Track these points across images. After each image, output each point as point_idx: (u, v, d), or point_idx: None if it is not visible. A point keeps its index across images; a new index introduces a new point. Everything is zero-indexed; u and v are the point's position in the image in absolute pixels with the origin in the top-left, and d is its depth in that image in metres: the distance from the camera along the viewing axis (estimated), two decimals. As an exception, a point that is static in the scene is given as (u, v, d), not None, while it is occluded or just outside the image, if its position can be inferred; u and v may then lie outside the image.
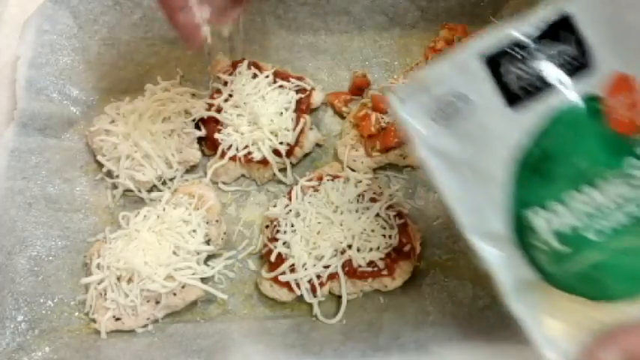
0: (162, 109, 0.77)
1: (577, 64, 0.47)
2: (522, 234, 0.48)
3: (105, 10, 0.83)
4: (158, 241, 0.70)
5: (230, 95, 0.79)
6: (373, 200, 0.72)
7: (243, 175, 0.80)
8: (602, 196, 0.46)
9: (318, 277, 0.69)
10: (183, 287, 0.69)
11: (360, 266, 0.69)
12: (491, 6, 0.85)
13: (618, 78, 0.47)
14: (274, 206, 0.74)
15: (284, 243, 0.70)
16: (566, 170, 0.47)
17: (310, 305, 0.70)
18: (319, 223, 0.70)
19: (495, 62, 0.47)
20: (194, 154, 0.78)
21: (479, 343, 0.64)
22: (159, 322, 0.71)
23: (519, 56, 0.46)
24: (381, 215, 0.71)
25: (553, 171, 0.47)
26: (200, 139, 0.79)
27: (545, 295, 0.49)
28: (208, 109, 0.79)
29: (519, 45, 0.46)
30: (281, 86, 0.79)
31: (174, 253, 0.70)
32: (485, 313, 0.67)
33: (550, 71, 0.46)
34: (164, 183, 0.77)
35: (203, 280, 0.71)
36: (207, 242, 0.72)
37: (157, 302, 0.69)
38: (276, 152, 0.77)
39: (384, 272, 0.69)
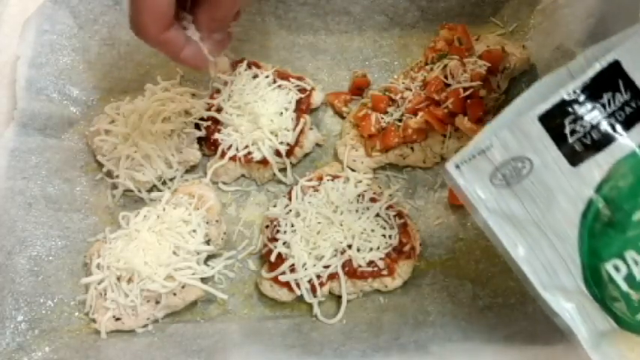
0: (162, 109, 0.77)
1: (630, 109, 0.47)
2: (598, 286, 0.48)
3: (105, 10, 0.83)
4: (158, 241, 0.70)
5: (230, 95, 0.79)
6: (373, 200, 0.72)
7: (243, 175, 0.80)
8: None
9: (318, 277, 0.69)
10: (183, 287, 0.69)
11: (360, 266, 0.69)
12: (491, 6, 0.85)
13: None
14: (274, 206, 0.74)
15: (284, 243, 0.70)
16: (637, 217, 0.46)
17: (310, 305, 0.70)
18: (319, 223, 0.70)
19: (552, 122, 0.47)
20: (194, 154, 0.78)
21: (479, 343, 0.64)
22: (159, 322, 0.71)
23: (574, 112, 0.47)
24: (381, 215, 0.71)
25: (623, 220, 0.47)
26: (200, 139, 0.79)
27: (623, 341, 0.49)
28: (208, 109, 0.79)
29: (572, 101, 0.47)
30: (281, 86, 0.79)
31: (174, 253, 0.70)
32: (485, 313, 0.67)
33: (605, 121, 0.47)
34: (164, 183, 0.78)
35: (203, 280, 0.71)
36: (207, 242, 0.72)
37: (157, 302, 0.69)
38: (276, 152, 0.77)
39: (384, 272, 0.69)
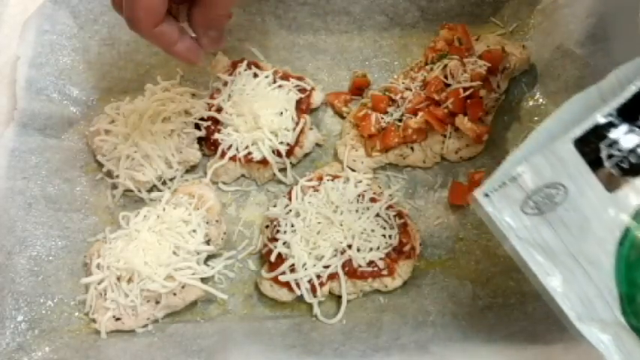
0: (162, 109, 0.77)
1: None
2: (637, 317, 0.46)
3: (105, 10, 0.83)
4: (158, 241, 0.70)
5: (230, 95, 0.79)
6: (373, 200, 0.72)
7: (243, 175, 0.80)
8: None
9: (318, 277, 0.69)
10: (183, 287, 0.69)
11: (360, 266, 0.69)
12: (491, 6, 0.85)
13: None
14: (274, 206, 0.74)
15: (284, 243, 0.70)
16: None
17: (310, 305, 0.70)
18: (319, 223, 0.70)
19: (587, 146, 0.45)
20: (194, 154, 0.78)
21: (479, 343, 0.64)
22: (159, 322, 0.71)
23: (610, 136, 0.45)
24: (381, 215, 0.71)
25: None
26: (200, 139, 0.79)
27: None
28: (208, 109, 0.79)
29: (607, 124, 0.45)
30: (281, 86, 0.79)
31: (174, 253, 0.70)
32: (485, 313, 0.67)
33: None
34: (164, 183, 0.77)
35: (203, 280, 0.71)
36: (207, 242, 0.72)
37: (157, 302, 0.69)
38: (277, 152, 0.77)
39: (384, 272, 0.69)
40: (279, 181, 0.79)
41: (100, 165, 0.78)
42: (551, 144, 0.46)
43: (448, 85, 0.76)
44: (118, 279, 0.69)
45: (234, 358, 0.64)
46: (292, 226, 0.71)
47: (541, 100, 0.79)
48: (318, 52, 0.86)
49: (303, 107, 0.79)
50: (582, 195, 0.46)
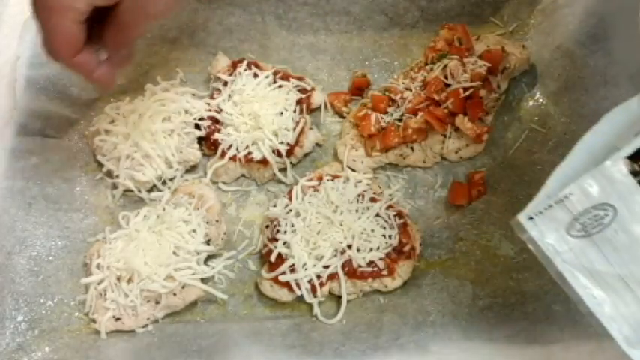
0: (163, 109, 0.77)
1: None
2: None
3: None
4: (158, 241, 0.70)
5: (230, 95, 0.79)
6: (373, 200, 0.72)
7: (243, 175, 0.80)
8: None
9: (318, 277, 0.69)
10: (183, 287, 0.69)
11: (360, 266, 0.69)
12: (491, 6, 0.85)
13: None
14: (274, 206, 0.74)
15: (284, 243, 0.70)
16: None
17: (310, 305, 0.70)
18: (319, 223, 0.70)
19: (637, 165, 0.44)
20: (194, 154, 0.78)
21: (479, 343, 0.64)
22: (159, 322, 0.71)
23: None
24: (381, 215, 0.71)
25: None
26: (200, 139, 0.79)
27: None
28: (208, 109, 0.79)
29: None
30: (281, 86, 0.79)
31: (174, 253, 0.70)
32: (485, 313, 0.67)
33: None
34: (164, 183, 0.77)
35: (203, 280, 0.71)
36: (207, 242, 0.72)
37: (157, 302, 0.69)
38: (277, 152, 0.77)
39: (384, 272, 0.69)
40: (279, 181, 0.79)
41: (100, 165, 0.78)
42: (601, 164, 0.44)
43: (448, 85, 0.76)
44: (118, 279, 0.69)
45: (234, 358, 0.64)
46: (292, 226, 0.71)
47: (541, 100, 0.79)
48: (318, 52, 0.86)
49: (303, 107, 0.79)
50: (632, 216, 0.45)
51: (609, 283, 0.46)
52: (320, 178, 0.75)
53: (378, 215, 0.71)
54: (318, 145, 0.81)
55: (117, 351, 0.67)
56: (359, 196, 0.73)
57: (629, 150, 0.44)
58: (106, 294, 0.69)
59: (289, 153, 0.77)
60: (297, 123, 0.77)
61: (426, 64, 0.80)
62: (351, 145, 0.78)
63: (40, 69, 0.79)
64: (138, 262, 0.68)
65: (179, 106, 0.78)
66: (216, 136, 0.77)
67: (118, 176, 0.76)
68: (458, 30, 0.80)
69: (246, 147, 0.77)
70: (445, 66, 0.77)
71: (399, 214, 0.72)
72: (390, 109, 0.78)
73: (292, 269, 0.69)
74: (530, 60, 0.80)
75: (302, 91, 0.80)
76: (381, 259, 0.69)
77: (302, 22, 0.86)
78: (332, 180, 0.74)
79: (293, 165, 0.79)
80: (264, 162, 0.77)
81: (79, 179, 0.79)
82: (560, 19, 0.78)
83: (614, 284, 0.46)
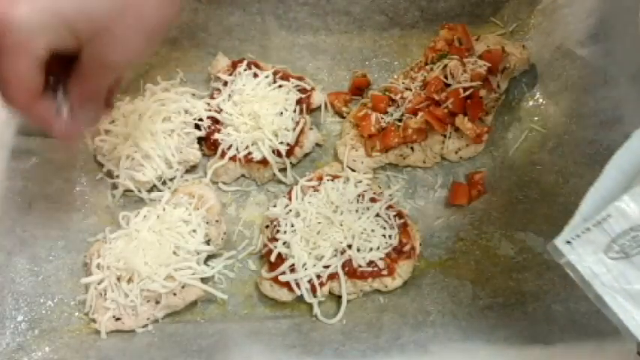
0: (163, 109, 0.77)
1: None
2: None
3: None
4: (158, 241, 0.70)
5: (230, 95, 0.79)
6: (373, 200, 0.72)
7: (243, 175, 0.80)
8: None
9: (318, 277, 0.69)
10: (183, 287, 0.69)
11: (360, 266, 0.69)
12: (491, 6, 0.85)
13: None
14: (274, 206, 0.74)
15: (284, 243, 0.70)
16: None
17: (310, 305, 0.70)
18: (319, 223, 0.70)
19: None
20: (194, 154, 0.78)
21: (479, 343, 0.64)
22: (159, 322, 0.71)
23: None
24: (381, 215, 0.71)
25: None
26: (200, 139, 0.79)
27: None
28: (208, 109, 0.79)
29: None
30: (281, 86, 0.79)
31: (175, 253, 0.70)
32: (485, 313, 0.67)
33: None
34: (164, 183, 0.77)
35: (203, 280, 0.71)
36: (207, 242, 0.72)
37: (157, 302, 0.69)
38: (277, 152, 0.77)
39: (384, 272, 0.69)
40: (279, 181, 0.79)
41: (100, 165, 0.78)
42: (638, 185, 0.44)
43: (448, 85, 0.76)
44: (118, 279, 0.69)
45: (234, 358, 0.64)
46: (292, 226, 0.71)
47: (541, 100, 0.79)
48: (318, 52, 0.86)
49: (303, 107, 0.79)
50: None
51: None
52: (320, 178, 0.75)
53: (378, 215, 0.71)
54: (318, 145, 0.81)
55: (117, 351, 0.67)
56: (359, 196, 0.73)
57: None
58: (106, 294, 0.69)
59: (289, 153, 0.77)
60: (297, 123, 0.78)
61: (426, 64, 0.80)
62: (351, 145, 0.78)
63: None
64: (138, 262, 0.68)
65: (179, 106, 0.78)
66: (216, 136, 0.77)
67: (118, 176, 0.76)
68: (458, 30, 0.80)
69: (246, 147, 0.77)
70: (445, 66, 0.77)
71: (399, 214, 0.72)
72: (390, 109, 0.78)
73: (292, 269, 0.69)
74: (530, 60, 0.80)
75: (302, 91, 0.80)
76: (381, 259, 0.69)
77: (302, 22, 0.86)
78: (332, 180, 0.74)
79: (293, 165, 0.79)
80: (264, 162, 0.77)
81: (79, 179, 0.79)
82: (560, 19, 0.78)
83: None
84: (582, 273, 0.45)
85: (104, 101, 0.61)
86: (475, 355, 0.63)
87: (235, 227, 0.77)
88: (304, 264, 0.69)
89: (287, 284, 0.69)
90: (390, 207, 0.72)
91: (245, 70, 0.80)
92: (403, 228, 0.71)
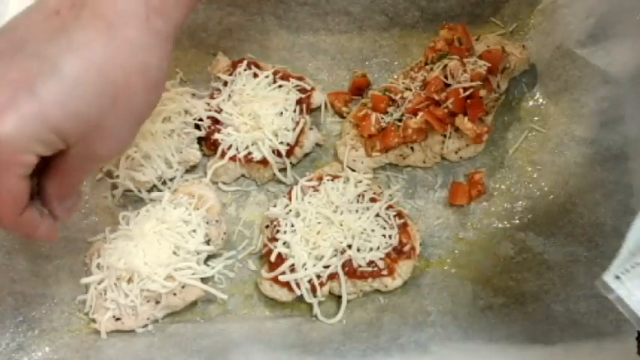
0: (163, 109, 0.77)
1: None
2: None
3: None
4: (158, 241, 0.70)
5: (230, 95, 0.79)
6: (373, 200, 0.72)
7: (243, 175, 0.80)
8: None
9: (318, 277, 0.69)
10: (183, 287, 0.69)
11: (360, 266, 0.69)
12: (491, 6, 0.85)
13: None
14: (274, 206, 0.74)
15: (284, 243, 0.70)
16: None
17: (310, 305, 0.70)
18: (319, 223, 0.71)
19: None
20: (194, 154, 0.78)
21: (479, 343, 0.64)
22: (159, 322, 0.71)
23: None
24: (381, 215, 0.71)
25: None
26: (200, 139, 0.79)
27: None
28: (208, 109, 0.79)
29: None
30: (281, 86, 0.79)
31: (175, 253, 0.70)
32: (485, 313, 0.67)
33: None
34: (164, 183, 0.77)
35: (203, 280, 0.71)
36: (208, 242, 0.72)
37: (157, 302, 0.69)
38: (277, 152, 0.77)
39: (384, 272, 0.69)
40: (279, 181, 0.79)
41: (100, 165, 0.78)
42: None
43: (448, 85, 0.76)
44: (118, 279, 0.69)
45: (234, 358, 0.64)
46: (292, 226, 0.71)
47: (541, 100, 0.79)
48: (318, 52, 0.86)
49: (303, 107, 0.79)
50: None
51: None
52: (320, 178, 0.75)
53: (378, 215, 0.71)
54: (318, 145, 0.81)
55: (117, 351, 0.67)
56: (359, 196, 0.73)
57: None
58: (106, 294, 0.69)
59: (289, 153, 0.77)
60: (297, 123, 0.78)
61: (426, 64, 0.80)
62: (351, 145, 0.78)
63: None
64: (138, 262, 0.68)
65: (179, 106, 0.78)
66: (216, 136, 0.77)
67: (118, 176, 0.76)
68: (458, 30, 0.80)
69: (246, 147, 0.77)
70: (445, 66, 0.77)
71: (399, 214, 0.72)
72: (390, 109, 0.78)
73: (292, 269, 0.69)
74: (530, 60, 0.80)
75: (302, 91, 0.80)
76: (381, 259, 0.69)
77: (302, 22, 0.86)
78: (332, 180, 0.74)
79: (293, 165, 0.79)
80: (264, 162, 0.77)
81: (79, 179, 0.79)
82: (560, 19, 0.78)
83: None
84: (633, 308, 0.43)
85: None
86: (475, 355, 0.63)
87: (235, 227, 0.77)
88: (304, 264, 0.69)
89: (287, 284, 0.69)
90: (390, 207, 0.73)
91: (245, 70, 0.80)
92: (403, 228, 0.71)
